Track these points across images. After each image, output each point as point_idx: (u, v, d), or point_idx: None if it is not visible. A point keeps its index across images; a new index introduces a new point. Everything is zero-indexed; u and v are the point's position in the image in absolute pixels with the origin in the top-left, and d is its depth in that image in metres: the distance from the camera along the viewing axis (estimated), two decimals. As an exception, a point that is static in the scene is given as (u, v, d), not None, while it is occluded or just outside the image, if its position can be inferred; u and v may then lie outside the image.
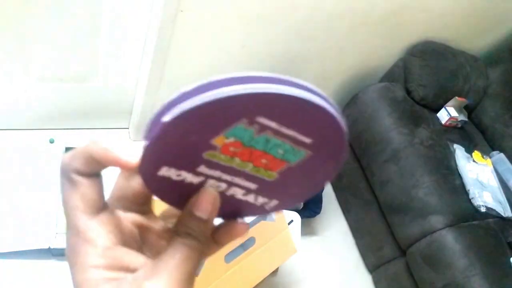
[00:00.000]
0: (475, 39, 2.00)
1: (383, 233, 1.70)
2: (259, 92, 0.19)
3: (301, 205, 1.66)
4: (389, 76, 1.89)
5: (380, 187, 1.66)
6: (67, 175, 0.24)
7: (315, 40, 1.62)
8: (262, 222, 1.15)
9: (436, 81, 1.78)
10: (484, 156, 1.77)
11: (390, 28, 1.71)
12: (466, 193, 1.58)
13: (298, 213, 1.45)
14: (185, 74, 1.55)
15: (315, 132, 0.22)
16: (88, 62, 1.45)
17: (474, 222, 1.52)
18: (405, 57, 1.83)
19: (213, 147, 0.22)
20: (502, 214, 1.58)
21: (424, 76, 1.76)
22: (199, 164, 0.23)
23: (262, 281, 1.17)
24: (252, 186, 0.25)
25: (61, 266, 1.33)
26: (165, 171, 0.23)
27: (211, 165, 0.23)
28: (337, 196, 2.00)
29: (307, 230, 1.81)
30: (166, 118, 0.21)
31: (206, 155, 0.22)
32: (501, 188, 1.69)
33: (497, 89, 1.94)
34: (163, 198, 0.26)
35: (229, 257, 1.06)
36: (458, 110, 1.83)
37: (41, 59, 1.38)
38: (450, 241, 1.44)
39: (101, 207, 0.25)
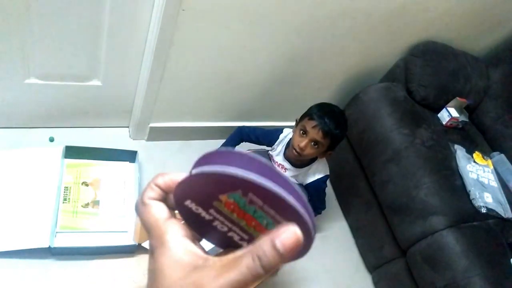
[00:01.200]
0: (476, 40, 2.00)
1: (383, 233, 1.70)
2: (256, 182, 0.27)
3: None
4: (390, 76, 1.89)
5: (381, 187, 1.66)
6: (142, 200, 0.33)
7: (316, 40, 1.61)
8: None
9: (437, 81, 1.78)
10: (485, 157, 1.77)
11: (391, 28, 1.70)
12: (466, 193, 1.58)
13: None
14: (186, 73, 1.55)
15: (288, 219, 0.28)
16: (89, 60, 1.44)
17: (474, 223, 1.52)
18: (406, 57, 1.83)
19: (220, 200, 0.30)
20: (503, 215, 1.58)
21: (425, 77, 1.76)
22: (210, 207, 0.31)
23: (263, 281, 1.17)
24: (245, 236, 0.32)
25: (61, 265, 1.33)
26: (189, 203, 0.32)
27: (218, 211, 0.31)
28: (338, 196, 1.99)
29: (307, 230, 1.80)
30: (194, 171, 0.30)
31: (215, 203, 0.30)
32: (501, 189, 1.69)
33: (498, 90, 1.94)
34: (186, 221, 0.34)
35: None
36: (459, 110, 1.83)
37: (42, 57, 1.37)
38: (450, 241, 1.44)
39: (169, 216, 0.33)
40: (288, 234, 0.25)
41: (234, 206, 0.30)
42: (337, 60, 1.79)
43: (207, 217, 0.32)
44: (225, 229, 0.32)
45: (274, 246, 0.25)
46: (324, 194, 1.64)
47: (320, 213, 1.71)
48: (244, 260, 0.26)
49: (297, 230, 0.26)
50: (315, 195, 1.59)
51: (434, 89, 1.78)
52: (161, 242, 0.30)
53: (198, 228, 0.33)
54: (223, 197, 0.29)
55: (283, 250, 0.25)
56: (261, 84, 1.76)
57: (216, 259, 0.29)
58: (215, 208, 0.31)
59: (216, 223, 0.32)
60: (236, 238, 0.33)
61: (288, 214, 0.28)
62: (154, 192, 0.33)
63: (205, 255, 0.31)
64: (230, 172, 0.28)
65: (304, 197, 0.28)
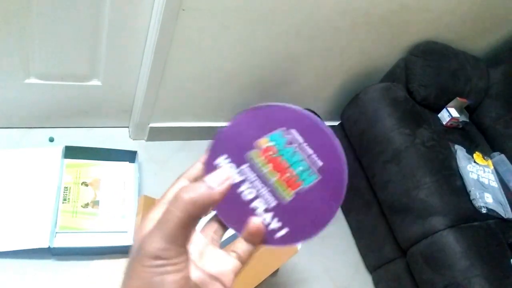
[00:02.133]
0: (477, 40, 2.00)
1: (384, 234, 1.69)
2: (301, 112, 0.29)
3: None
4: (390, 76, 1.88)
5: (381, 187, 1.65)
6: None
7: (316, 39, 1.61)
8: (263, 222, 1.15)
9: (437, 81, 1.77)
10: (485, 157, 1.77)
11: (391, 28, 1.70)
12: (467, 194, 1.58)
13: None
14: (186, 73, 1.54)
15: (326, 160, 0.29)
16: (89, 60, 1.44)
17: (475, 223, 1.52)
18: (406, 57, 1.83)
19: (258, 147, 0.30)
20: (503, 215, 1.57)
21: (426, 77, 1.76)
22: (245, 162, 0.31)
23: (263, 281, 1.17)
24: (273, 202, 0.31)
25: (61, 265, 1.33)
26: (221, 160, 0.31)
27: (252, 166, 0.31)
28: (338, 196, 1.99)
29: (307, 230, 1.80)
30: (242, 112, 0.31)
31: (251, 153, 0.30)
32: (501, 189, 1.69)
33: (498, 90, 1.94)
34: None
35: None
36: (459, 110, 1.83)
37: (42, 57, 1.37)
38: (451, 242, 1.44)
39: None
40: (221, 170, 0.29)
41: (272, 150, 0.30)
42: (337, 60, 1.78)
43: (237, 178, 0.31)
44: (252, 195, 0.32)
45: (203, 180, 0.28)
46: None
47: None
48: (175, 195, 0.27)
49: (227, 170, 0.29)
50: None
51: (435, 89, 1.78)
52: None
53: (224, 208, 0.33)
54: (263, 141, 0.30)
55: (211, 181, 0.28)
56: (261, 84, 1.76)
57: None
58: (249, 161, 0.31)
59: (243, 187, 0.31)
60: (261, 209, 0.32)
61: (327, 151, 0.29)
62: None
63: None
64: (278, 104, 0.29)
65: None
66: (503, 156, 1.83)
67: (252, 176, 0.31)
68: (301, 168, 0.29)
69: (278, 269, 1.29)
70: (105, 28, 1.33)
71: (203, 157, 0.33)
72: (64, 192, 1.44)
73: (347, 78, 1.92)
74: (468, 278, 1.38)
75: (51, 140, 1.62)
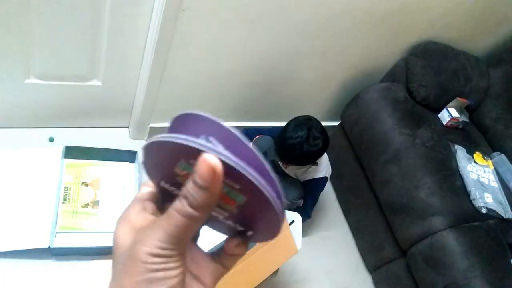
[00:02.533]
0: (477, 40, 2.00)
1: (384, 234, 1.69)
2: (183, 144, 0.26)
3: (300, 202, 1.66)
4: (391, 76, 1.88)
5: (381, 187, 1.65)
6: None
7: (316, 39, 1.61)
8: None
9: (437, 81, 1.77)
10: (485, 157, 1.77)
11: (391, 28, 1.70)
12: (467, 194, 1.58)
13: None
14: (186, 72, 1.54)
15: (240, 182, 0.27)
16: (89, 60, 1.44)
17: (475, 223, 1.52)
18: (406, 57, 1.83)
19: (179, 175, 0.29)
20: (503, 215, 1.57)
21: (426, 77, 1.76)
22: (180, 185, 0.29)
23: (263, 281, 1.17)
24: (225, 213, 0.31)
25: (61, 266, 1.32)
26: (163, 184, 0.32)
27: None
28: (338, 197, 1.99)
29: (307, 230, 1.80)
30: (147, 142, 0.30)
31: (178, 178, 0.30)
32: (501, 189, 1.69)
33: (498, 90, 1.94)
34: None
35: (230, 257, 1.05)
36: (459, 110, 1.83)
37: (42, 57, 1.37)
38: (451, 242, 1.44)
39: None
40: (201, 165, 0.25)
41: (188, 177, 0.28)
42: (337, 60, 1.78)
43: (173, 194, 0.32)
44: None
45: (195, 182, 0.25)
46: (317, 194, 1.66)
47: (304, 220, 1.64)
48: (172, 206, 0.26)
49: (208, 157, 0.25)
50: (308, 192, 1.62)
51: (435, 89, 1.78)
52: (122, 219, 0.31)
53: None
54: (177, 169, 0.29)
55: (202, 181, 0.25)
56: (261, 84, 1.76)
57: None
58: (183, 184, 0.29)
59: None
60: (221, 217, 0.32)
61: (239, 178, 0.26)
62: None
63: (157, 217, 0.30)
64: (163, 138, 0.28)
65: (258, 158, 0.27)
66: (503, 156, 1.83)
67: None
68: (225, 189, 0.28)
69: (278, 269, 1.29)
70: (105, 28, 1.33)
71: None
72: (64, 192, 1.44)
73: (347, 78, 1.92)
74: (468, 278, 1.38)
75: (51, 140, 1.62)
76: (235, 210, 0.30)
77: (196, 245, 0.34)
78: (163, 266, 0.26)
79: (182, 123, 0.31)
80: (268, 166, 0.27)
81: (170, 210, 0.27)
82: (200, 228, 0.29)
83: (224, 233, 0.34)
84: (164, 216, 0.27)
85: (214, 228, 0.34)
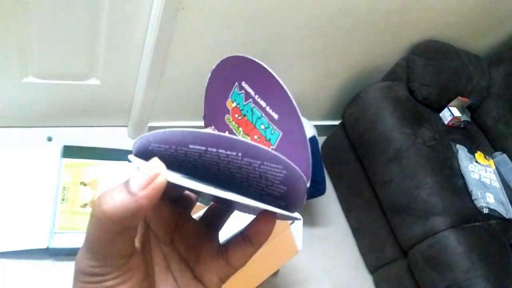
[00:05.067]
0: (478, 39, 1.98)
1: (385, 234, 1.68)
2: (244, 58, 0.27)
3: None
4: (392, 75, 1.87)
5: (382, 187, 1.64)
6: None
7: (316, 38, 1.60)
8: (264, 222, 1.14)
9: (439, 80, 1.76)
10: (487, 157, 1.76)
11: (393, 26, 1.69)
12: (468, 194, 1.57)
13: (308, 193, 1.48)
14: (185, 71, 1.53)
15: (279, 109, 0.27)
16: (87, 59, 1.43)
17: (476, 224, 1.51)
18: (408, 56, 1.82)
19: (228, 111, 0.30)
20: (505, 215, 1.56)
21: (427, 76, 1.75)
22: (225, 130, 0.30)
23: (263, 282, 1.15)
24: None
25: (59, 266, 1.31)
26: (210, 130, 0.29)
27: (230, 131, 0.30)
28: (338, 196, 1.98)
29: (308, 230, 1.79)
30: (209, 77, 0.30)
31: (226, 119, 0.30)
32: (503, 189, 1.68)
33: (500, 89, 1.93)
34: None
35: (230, 258, 1.04)
36: (461, 110, 1.82)
37: (40, 56, 1.36)
38: (452, 242, 1.43)
39: None
40: (143, 169, 0.21)
41: (237, 112, 0.29)
42: (338, 59, 1.77)
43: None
44: None
45: (125, 183, 0.21)
46: (318, 157, 1.62)
47: (318, 192, 1.61)
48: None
49: (153, 163, 0.21)
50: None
51: (436, 88, 1.76)
52: None
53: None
54: (229, 103, 0.29)
55: (133, 187, 0.20)
56: (261, 83, 1.74)
57: None
58: (227, 127, 0.31)
59: None
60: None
61: (276, 97, 0.27)
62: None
63: None
64: (227, 56, 0.29)
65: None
66: (505, 155, 1.82)
67: None
68: (263, 126, 0.28)
69: (278, 269, 1.28)
70: (104, 27, 1.32)
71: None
72: (62, 192, 1.43)
73: (348, 77, 1.91)
74: (469, 279, 1.37)
75: (49, 139, 1.60)
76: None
77: (205, 238, 0.29)
78: (101, 285, 0.22)
79: (220, 73, 0.30)
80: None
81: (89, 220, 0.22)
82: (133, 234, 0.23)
83: (248, 212, 0.30)
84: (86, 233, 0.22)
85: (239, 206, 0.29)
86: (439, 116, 1.82)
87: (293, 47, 1.61)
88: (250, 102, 0.28)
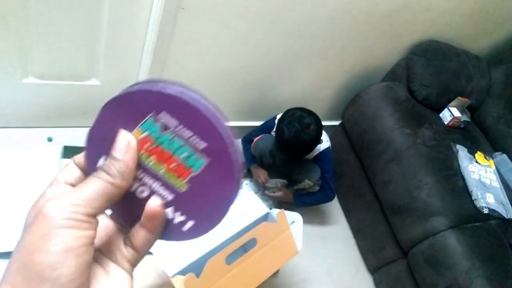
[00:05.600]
0: (478, 39, 1.98)
1: (385, 234, 1.68)
2: (164, 91, 0.25)
3: (319, 183, 1.69)
4: (392, 75, 1.87)
5: (382, 187, 1.64)
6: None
7: (317, 38, 1.60)
8: (264, 223, 1.14)
9: (439, 80, 1.76)
10: (487, 157, 1.76)
11: (393, 27, 1.69)
12: (468, 194, 1.57)
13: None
14: (185, 72, 1.53)
15: (209, 140, 0.26)
16: (87, 60, 1.43)
17: (476, 224, 1.51)
18: (407, 57, 1.82)
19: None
20: (505, 215, 1.56)
21: (427, 76, 1.75)
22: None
23: (263, 282, 1.15)
24: (169, 196, 0.29)
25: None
26: (102, 162, 0.28)
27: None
28: (338, 197, 1.98)
29: (308, 230, 1.79)
30: (103, 106, 0.27)
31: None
32: (503, 190, 1.67)
33: (500, 90, 1.93)
34: None
35: (230, 258, 1.04)
36: (461, 110, 1.82)
37: (40, 56, 1.36)
38: (452, 242, 1.43)
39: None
40: (118, 139, 0.27)
41: (149, 141, 0.27)
42: (338, 59, 1.77)
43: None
44: (146, 193, 0.29)
45: (111, 156, 0.27)
46: (330, 165, 1.69)
47: (331, 199, 1.72)
48: (89, 176, 0.27)
49: (124, 132, 0.27)
50: (323, 167, 1.66)
51: (436, 89, 1.77)
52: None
53: (120, 208, 0.30)
54: (136, 133, 0.27)
55: (117, 153, 0.27)
56: (261, 84, 1.74)
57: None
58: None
59: (134, 186, 0.29)
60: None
61: (205, 130, 0.26)
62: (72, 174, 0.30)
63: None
64: (135, 88, 0.27)
65: (218, 114, 0.27)
66: (504, 156, 1.82)
67: (138, 172, 0.28)
68: (185, 154, 0.27)
69: (278, 270, 1.27)
70: (104, 27, 1.32)
71: (80, 160, 0.31)
72: (62, 192, 1.43)
73: (348, 77, 1.91)
74: (470, 279, 1.37)
75: (49, 140, 1.60)
76: (184, 187, 0.28)
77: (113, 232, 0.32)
78: (71, 223, 0.24)
79: (122, 103, 0.28)
80: (218, 114, 0.27)
81: (87, 179, 0.27)
82: (116, 199, 0.27)
83: None
84: (80, 184, 0.27)
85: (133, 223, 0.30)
86: (439, 116, 1.82)
87: (294, 48, 1.61)
88: (169, 132, 0.27)
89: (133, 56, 1.46)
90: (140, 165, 0.28)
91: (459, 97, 1.81)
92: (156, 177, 0.28)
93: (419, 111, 1.75)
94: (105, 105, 0.28)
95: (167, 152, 0.27)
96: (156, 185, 0.29)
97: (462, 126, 1.83)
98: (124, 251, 0.30)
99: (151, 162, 0.28)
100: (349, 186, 1.90)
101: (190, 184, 0.28)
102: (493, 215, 1.54)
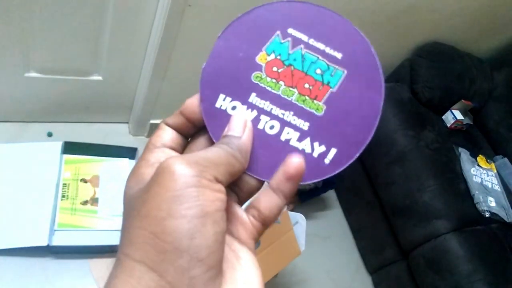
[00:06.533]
0: (481, 42, 1.98)
1: (385, 235, 1.68)
2: (288, 3, 0.23)
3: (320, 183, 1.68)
4: (395, 76, 1.86)
5: (384, 189, 1.64)
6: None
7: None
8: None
9: (442, 83, 1.76)
10: (488, 161, 1.76)
11: (397, 28, 1.68)
12: (470, 197, 1.57)
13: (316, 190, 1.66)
14: (190, 69, 1.51)
15: (344, 47, 0.23)
16: (90, 55, 1.41)
17: (478, 227, 1.51)
18: (411, 58, 1.81)
19: (259, 67, 0.24)
20: (506, 219, 1.57)
21: (431, 78, 1.74)
22: (250, 91, 0.25)
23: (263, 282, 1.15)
24: (305, 124, 0.25)
25: (60, 264, 1.30)
26: (221, 102, 0.25)
27: (260, 92, 0.25)
28: (339, 197, 1.98)
29: (308, 230, 1.78)
30: (221, 32, 0.25)
31: (254, 77, 0.25)
32: (504, 193, 1.68)
33: (502, 93, 1.93)
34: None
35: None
36: (464, 113, 1.82)
37: (42, 51, 1.34)
38: (454, 245, 1.43)
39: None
40: (233, 119, 0.25)
41: (277, 64, 0.24)
42: (342, 60, 1.76)
43: (249, 115, 0.26)
44: (277, 127, 0.25)
45: (227, 135, 0.25)
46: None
47: (331, 188, 1.76)
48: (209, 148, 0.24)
49: (239, 114, 0.25)
50: None
51: (440, 91, 1.76)
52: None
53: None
54: (261, 57, 0.24)
55: (234, 133, 0.25)
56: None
57: None
58: (256, 87, 0.25)
59: (262, 122, 0.25)
60: (294, 139, 0.26)
61: (340, 36, 0.23)
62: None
63: None
64: (259, 6, 0.24)
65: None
66: (505, 159, 1.82)
67: (266, 104, 0.25)
68: (319, 70, 0.24)
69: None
70: (109, 22, 1.30)
71: (174, 121, 0.27)
72: (62, 188, 1.41)
73: (351, 77, 1.90)
74: (471, 283, 1.37)
75: (50, 135, 1.58)
76: (322, 109, 0.25)
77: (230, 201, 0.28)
78: (204, 182, 0.21)
79: (243, 25, 0.26)
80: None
81: (209, 148, 0.24)
82: (236, 176, 0.24)
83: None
84: (202, 150, 0.24)
85: (264, 167, 0.26)
86: (442, 118, 1.82)
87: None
88: (299, 48, 0.24)
89: (137, 52, 1.44)
90: (267, 95, 0.25)
91: (462, 100, 1.81)
92: (287, 105, 0.25)
93: (422, 113, 1.75)
94: (222, 33, 0.26)
95: (298, 72, 0.25)
96: (288, 115, 0.25)
97: (464, 129, 1.83)
98: (249, 224, 0.26)
99: (280, 88, 0.25)
100: (350, 187, 1.90)
101: (328, 104, 0.25)
102: (495, 218, 1.54)
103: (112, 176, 1.51)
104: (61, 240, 1.28)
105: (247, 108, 0.25)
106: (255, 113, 0.25)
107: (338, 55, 0.24)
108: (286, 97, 0.25)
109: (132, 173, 0.25)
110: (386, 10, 1.57)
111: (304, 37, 0.24)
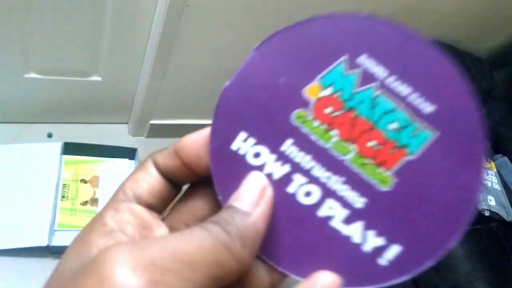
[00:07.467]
0: (481, 41, 1.98)
1: (385, 235, 1.68)
2: (366, 20, 0.15)
3: None
4: (394, 76, 1.87)
5: (384, 188, 1.64)
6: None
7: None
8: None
9: (441, 82, 1.76)
10: (488, 160, 1.76)
11: (396, 27, 1.68)
12: (470, 196, 1.57)
13: None
14: (189, 69, 1.52)
15: (441, 98, 0.16)
16: (89, 55, 1.42)
17: (478, 226, 1.51)
18: (411, 58, 1.81)
19: (305, 103, 0.17)
20: (506, 218, 1.57)
21: (430, 77, 1.74)
22: (285, 135, 0.17)
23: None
24: (359, 200, 0.17)
25: (59, 264, 1.30)
26: (241, 143, 0.18)
27: (300, 140, 0.17)
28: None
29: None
30: (260, 44, 0.15)
31: (295, 116, 0.17)
32: (504, 192, 1.68)
33: (502, 92, 1.93)
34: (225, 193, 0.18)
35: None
36: (463, 112, 1.82)
37: (42, 51, 1.35)
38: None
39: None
40: (247, 181, 0.17)
41: (333, 104, 0.17)
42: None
43: (277, 171, 0.17)
44: (317, 195, 0.17)
45: (233, 208, 0.17)
46: None
47: None
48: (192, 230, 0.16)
49: (254, 175, 0.17)
50: None
51: (439, 90, 1.76)
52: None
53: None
54: (312, 89, 0.17)
55: (241, 203, 0.17)
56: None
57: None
58: (295, 131, 0.17)
59: (295, 184, 0.17)
60: (338, 217, 0.17)
61: (437, 81, 0.16)
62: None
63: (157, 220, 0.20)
64: (322, 16, 0.15)
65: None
66: (505, 158, 1.82)
67: (305, 159, 0.17)
68: (396, 124, 0.16)
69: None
70: (108, 23, 1.31)
71: (165, 162, 0.19)
72: (62, 189, 1.42)
73: (351, 77, 1.90)
74: (470, 282, 1.37)
75: (50, 136, 1.59)
76: (389, 182, 0.17)
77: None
78: None
79: (294, 39, 0.17)
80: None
81: (188, 229, 0.17)
82: (229, 279, 0.16)
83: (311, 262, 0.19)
84: (173, 234, 0.17)
85: (282, 251, 0.18)
86: (441, 118, 1.82)
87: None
88: (371, 87, 0.17)
89: (136, 53, 1.45)
90: (310, 146, 0.17)
91: (462, 99, 1.81)
92: (336, 167, 0.17)
93: (422, 112, 1.75)
94: (260, 45, 0.17)
95: (363, 122, 0.17)
96: (335, 181, 0.17)
97: (464, 128, 1.83)
98: None
99: (331, 139, 0.17)
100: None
101: (400, 177, 0.17)
102: (495, 217, 1.54)
103: (112, 176, 1.52)
104: (61, 240, 1.29)
105: (277, 160, 0.18)
106: (286, 168, 0.18)
107: (429, 108, 0.17)
108: (338, 154, 0.17)
109: (79, 238, 0.19)
110: (384, 10, 1.57)
111: (382, 72, 0.17)
